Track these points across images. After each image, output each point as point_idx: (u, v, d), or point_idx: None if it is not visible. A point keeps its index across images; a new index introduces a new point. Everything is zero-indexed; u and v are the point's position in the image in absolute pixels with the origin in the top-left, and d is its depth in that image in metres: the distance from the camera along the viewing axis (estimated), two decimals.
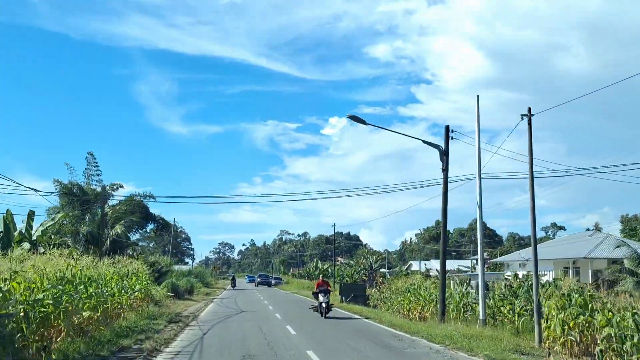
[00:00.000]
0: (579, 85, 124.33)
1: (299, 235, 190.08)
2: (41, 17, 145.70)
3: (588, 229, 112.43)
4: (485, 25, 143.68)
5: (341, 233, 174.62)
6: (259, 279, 68.49)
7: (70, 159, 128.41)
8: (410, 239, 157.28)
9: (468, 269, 74.37)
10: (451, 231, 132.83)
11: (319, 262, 74.70)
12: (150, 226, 53.34)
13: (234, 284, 57.03)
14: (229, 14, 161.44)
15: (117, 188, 52.32)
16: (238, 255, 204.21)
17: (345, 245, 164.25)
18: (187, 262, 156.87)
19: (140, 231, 52.72)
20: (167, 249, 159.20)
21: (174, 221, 51.22)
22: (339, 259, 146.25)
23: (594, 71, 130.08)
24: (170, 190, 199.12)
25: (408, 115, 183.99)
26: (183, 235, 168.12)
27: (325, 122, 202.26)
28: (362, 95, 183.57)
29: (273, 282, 69.40)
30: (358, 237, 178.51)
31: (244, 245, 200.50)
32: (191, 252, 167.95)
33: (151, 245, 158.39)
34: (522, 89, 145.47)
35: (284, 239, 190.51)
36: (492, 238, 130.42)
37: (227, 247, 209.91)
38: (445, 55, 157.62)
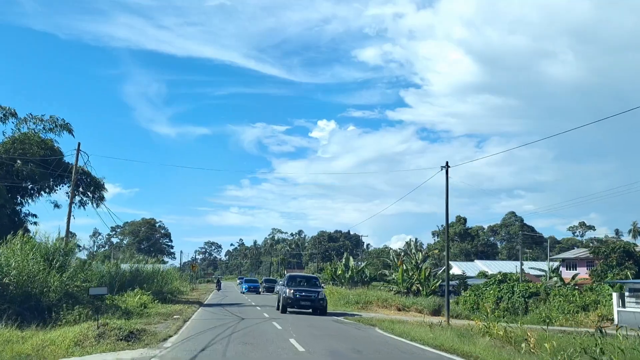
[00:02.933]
0: (567, 91, 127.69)
1: (292, 235, 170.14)
2: (29, 16, 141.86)
3: (617, 230, 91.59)
4: (474, 30, 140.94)
5: (340, 231, 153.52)
6: (292, 292, 22.57)
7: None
8: (416, 239, 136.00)
9: (544, 273, 50.15)
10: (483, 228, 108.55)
11: (351, 259, 48.83)
12: (65, 186, 27.40)
13: (219, 287, 54.05)
14: (217, 16, 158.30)
15: (6, 116, 27.54)
16: (226, 255, 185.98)
17: (343, 245, 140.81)
18: (167, 262, 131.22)
19: (45, 192, 27.21)
20: (142, 246, 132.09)
21: (78, 155, 24.60)
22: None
23: (582, 77, 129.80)
24: (157, 191, 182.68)
25: (397, 119, 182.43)
26: (163, 231, 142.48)
27: (314, 125, 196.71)
28: (351, 98, 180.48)
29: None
30: (359, 236, 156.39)
31: (232, 245, 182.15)
32: (171, 250, 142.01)
33: (124, 242, 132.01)
34: (511, 94, 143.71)
35: (276, 237, 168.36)
36: (531, 236, 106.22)
37: (213, 247, 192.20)
38: (434, 59, 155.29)
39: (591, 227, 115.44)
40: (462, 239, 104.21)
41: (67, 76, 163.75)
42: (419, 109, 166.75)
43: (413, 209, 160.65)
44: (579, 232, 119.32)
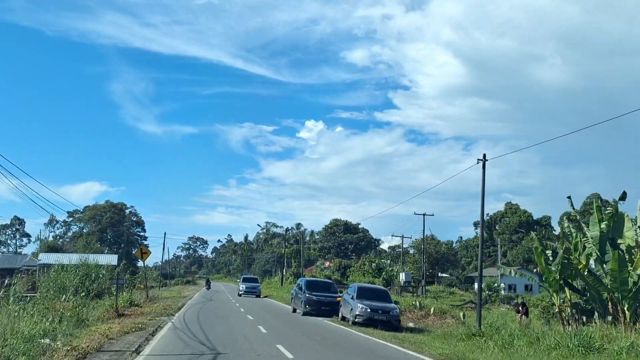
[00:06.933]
0: (555, 95, 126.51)
1: (287, 230, 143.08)
2: (15, 12, 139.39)
3: None
4: (462, 33, 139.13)
5: (344, 225, 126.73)
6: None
7: (41, 156, 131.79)
8: (425, 237, 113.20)
9: None
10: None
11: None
12: None
13: (208, 287, 51.68)
14: (204, 15, 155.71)
15: None
16: (212, 253, 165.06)
17: (365, 237, 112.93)
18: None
19: None
20: (106, 235, 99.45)
21: None
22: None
23: (570, 81, 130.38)
24: (145, 190, 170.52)
25: (385, 121, 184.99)
26: (134, 218, 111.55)
27: (302, 126, 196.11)
28: (339, 99, 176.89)
29: (391, 308, 18.64)
30: (367, 230, 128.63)
31: (219, 241, 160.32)
32: (145, 242, 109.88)
33: (84, 231, 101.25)
34: (499, 98, 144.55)
35: (271, 231, 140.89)
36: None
37: (198, 243, 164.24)
38: (422, 61, 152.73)
39: None
40: (530, 229, 75.82)
41: (53, 73, 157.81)
42: (407, 111, 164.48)
43: (399, 211, 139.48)
44: None
